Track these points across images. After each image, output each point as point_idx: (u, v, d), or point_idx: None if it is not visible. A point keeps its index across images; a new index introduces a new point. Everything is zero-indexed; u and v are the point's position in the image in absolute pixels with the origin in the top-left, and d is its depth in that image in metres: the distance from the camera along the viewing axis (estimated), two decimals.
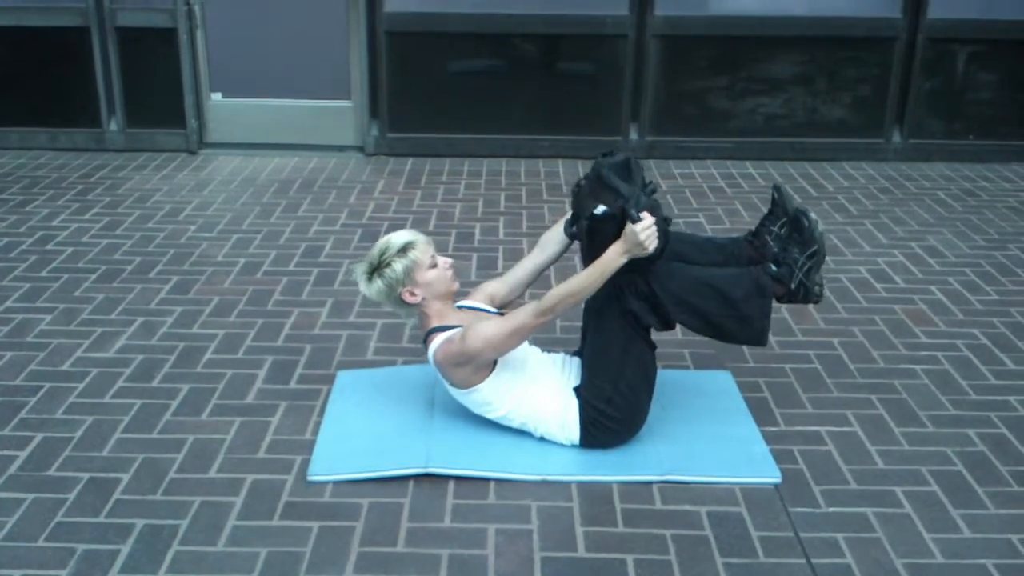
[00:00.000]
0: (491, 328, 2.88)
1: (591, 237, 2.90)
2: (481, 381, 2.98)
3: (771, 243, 3.16)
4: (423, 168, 5.94)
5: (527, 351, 3.11)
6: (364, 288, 3.02)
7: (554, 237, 3.29)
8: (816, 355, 3.68)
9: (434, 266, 3.01)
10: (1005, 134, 6.19)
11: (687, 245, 3.16)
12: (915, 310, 4.09)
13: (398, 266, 2.96)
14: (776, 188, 3.24)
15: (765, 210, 5.16)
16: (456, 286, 3.07)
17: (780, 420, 3.25)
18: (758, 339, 2.97)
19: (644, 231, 2.76)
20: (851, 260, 4.57)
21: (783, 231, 3.16)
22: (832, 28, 6.00)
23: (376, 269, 2.98)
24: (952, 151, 6.20)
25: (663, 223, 2.84)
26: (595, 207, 2.87)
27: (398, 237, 3.01)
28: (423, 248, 3.00)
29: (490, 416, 3.07)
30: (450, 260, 3.07)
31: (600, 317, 2.97)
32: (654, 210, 2.81)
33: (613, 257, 2.80)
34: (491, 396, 3.02)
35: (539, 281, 3.39)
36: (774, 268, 2.99)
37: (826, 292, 3.05)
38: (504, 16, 5.98)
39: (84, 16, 5.96)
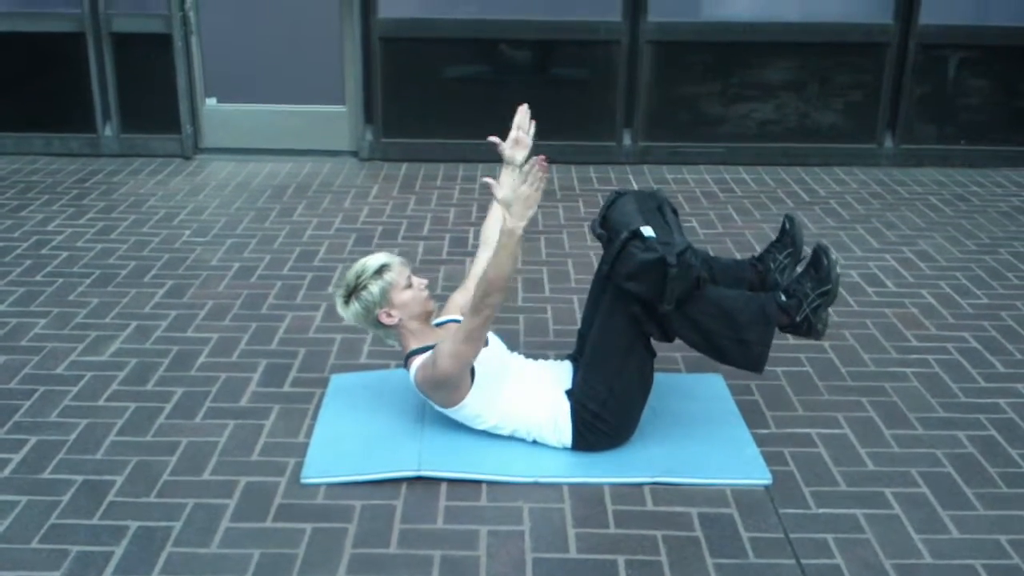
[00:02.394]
0: (448, 345, 2.90)
1: (619, 253, 2.88)
2: (463, 398, 3.00)
3: (774, 269, 3.20)
4: (417, 173, 5.96)
5: (507, 361, 3.12)
6: (342, 311, 3.06)
7: (493, 227, 3.27)
8: (807, 358, 3.70)
9: (409, 286, 3.05)
10: (996, 139, 6.23)
11: None
12: (906, 314, 4.11)
13: (374, 288, 3.00)
14: (789, 218, 3.27)
15: (757, 215, 5.25)
16: (432, 305, 3.11)
17: (771, 422, 3.27)
18: (754, 365, 2.98)
19: (526, 187, 2.72)
20: (843, 264, 4.59)
21: (788, 259, 3.20)
22: (824, 34, 6.03)
23: (353, 292, 3.02)
24: (944, 156, 6.23)
25: (696, 281, 2.87)
26: (643, 225, 2.88)
27: (374, 259, 3.05)
28: (399, 269, 3.04)
29: (480, 428, 3.09)
30: (425, 281, 3.11)
31: (606, 319, 2.98)
32: (688, 271, 2.82)
33: (510, 232, 2.75)
34: (477, 410, 3.04)
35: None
36: (783, 298, 3.00)
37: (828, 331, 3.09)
38: (498, 22, 6.01)
39: (79, 22, 5.97)
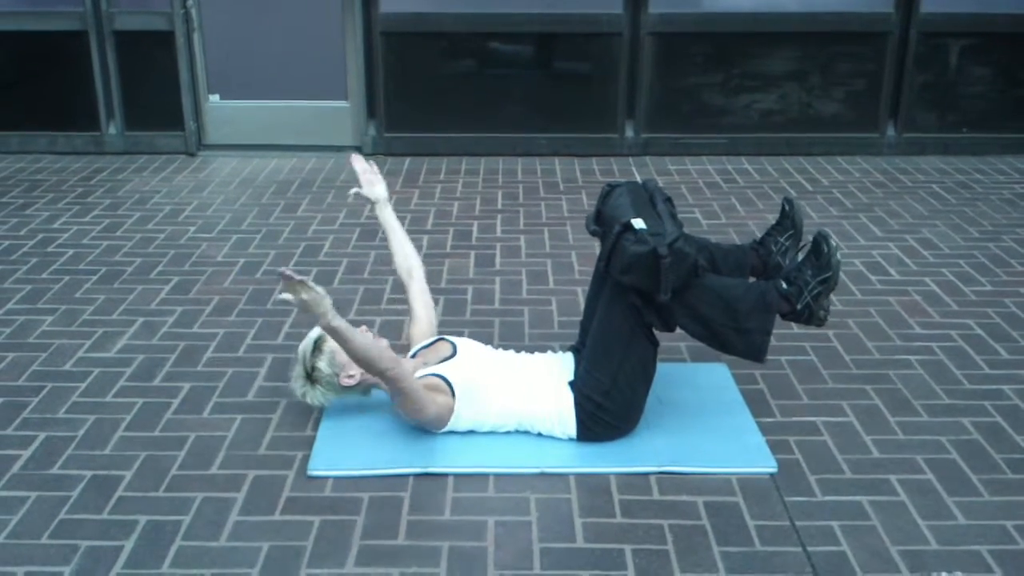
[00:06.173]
0: (399, 402, 2.96)
1: (613, 247, 2.89)
2: (451, 417, 3.03)
3: (775, 252, 3.20)
4: (420, 167, 5.97)
5: (487, 364, 3.13)
6: (312, 400, 3.10)
7: (399, 262, 3.38)
8: (812, 347, 3.71)
9: None
10: (998, 127, 6.22)
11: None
12: (910, 301, 4.11)
13: (322, 364, 3.05)
14: (788, 201, 3.28)
15: (760, 205, 5.26)
16: (384, 342, 3.09)
17: (776, 411, 3.28)
18: (755, 354, 2.98)
19: (304, 292, 2.74)
20: (846, 253, 4.60)
21: (789, 242, 3.21)
22: (825, 24, 6.03)
23: (308, 378, 3.07)
24: (946, 144, 6.23)
25: (692, 268, 2.87)
26: (634, 218, 2.89)
27: (308, 339, 3.12)
28: None
29: (483, 431, 3.10)
30: (363, 327, 3.12)
31: (607, 309, 2.99)
32: (683, 259, 2.83)
33: (333, 330, 2.77)
34: (470, 421, 3.06)
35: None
36: (784, 286, 3.01)
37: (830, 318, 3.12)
38: (499, 15, 6.01)
39: (82, 20, 5.98)
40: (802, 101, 6.18)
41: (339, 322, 2.77)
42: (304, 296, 2.75)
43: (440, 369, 3.05)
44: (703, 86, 6.16)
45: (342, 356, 3.05)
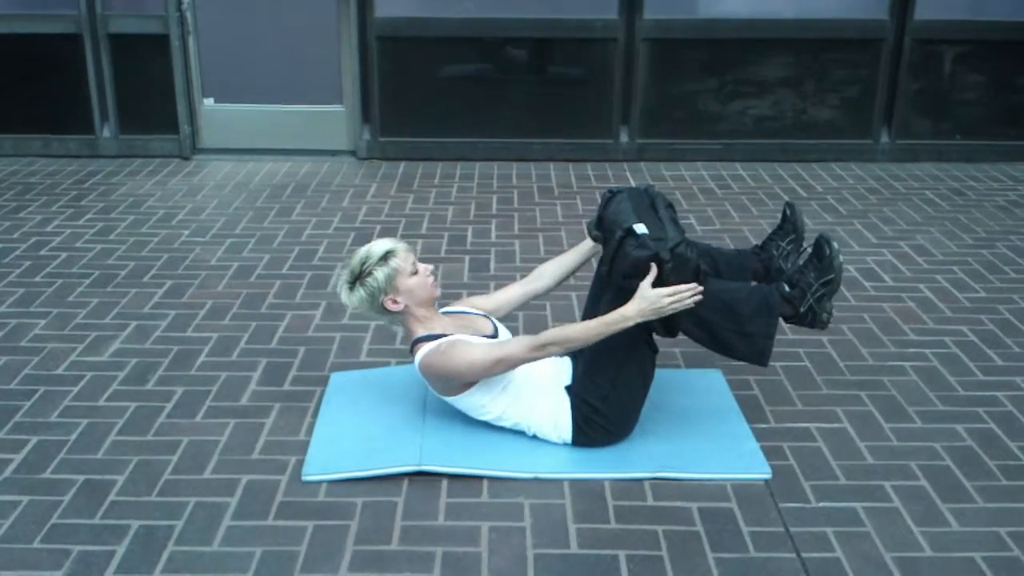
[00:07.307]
0: (478, 353, 2.91)
1: (616, 252, 2.90)
2: (467, 389, 3.01)
3: (777, 256, 3.20)
4: (415, 172, 5.97)
5: None
6: (346, 298, 3.02)
7: (550, 271, 3.37)
8: (806, 353, 3.71)
9: (415, 273, 3.03)
10: (992, 134, 6.24)
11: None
12: (904, 308, 4.12)
13: (379, 274, 2.97)
14: (789, 205, 3.29)
15: (755, 211, 5.27)
16: (438, 292, 3.10)
17: (770, 417, 3.28)
18: (759, 358, 2.98)
19: (669, 299, 2.78)
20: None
21: (790, 246, 3.21)
22: (820, 30, 6.04)
23: (358, 278, 2.99)
24: (940, 151, 6.24)
25: (694, 273, 2.87)
26: (636, 223, 2.89)
27: (379, 245, 3.02)
28: (404, 255, 3.02)
29: (482, 419, 3.09)
30: (430, 267, 3.09)
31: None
32: (686, 264, 2.83)
33: (622, 319, 2.81)
34: (481, 401, 3.04)
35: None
36: (787, 289, 3.01)
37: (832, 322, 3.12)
38: (494, 20, 6.01)
39: (77, 23, 5.97)
40: (796, 107, 6.19)
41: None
42: (671, 305, 2.81)
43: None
44: (698, 92, 6.16)
45: (402, 281, 2.98)
